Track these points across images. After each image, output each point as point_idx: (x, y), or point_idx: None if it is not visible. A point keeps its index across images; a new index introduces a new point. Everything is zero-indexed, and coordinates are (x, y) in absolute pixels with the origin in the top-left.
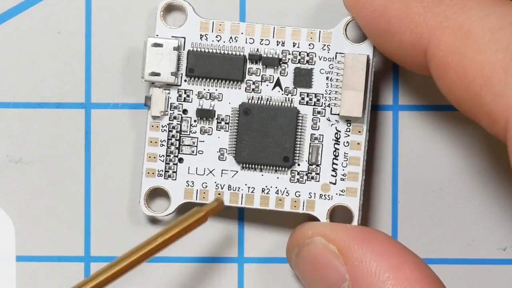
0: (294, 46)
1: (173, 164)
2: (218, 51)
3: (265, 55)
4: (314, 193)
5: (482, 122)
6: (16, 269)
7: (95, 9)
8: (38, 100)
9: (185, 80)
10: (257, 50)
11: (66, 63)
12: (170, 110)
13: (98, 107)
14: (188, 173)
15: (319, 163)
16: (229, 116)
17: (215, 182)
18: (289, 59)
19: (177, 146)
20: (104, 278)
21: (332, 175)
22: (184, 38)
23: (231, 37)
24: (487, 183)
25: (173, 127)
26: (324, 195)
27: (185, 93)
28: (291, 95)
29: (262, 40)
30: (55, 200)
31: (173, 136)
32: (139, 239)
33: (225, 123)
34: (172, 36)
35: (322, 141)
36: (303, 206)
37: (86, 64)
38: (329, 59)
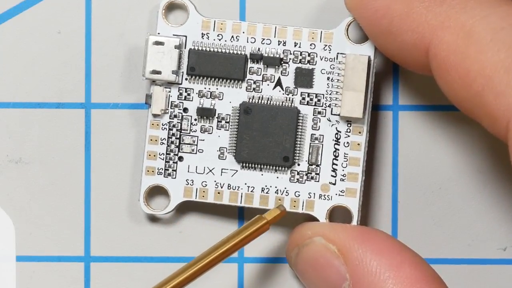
0: (295, 46)
1: (173, 162)
2: (220, 50)
3: (266, 55)
4: (314, 193)
5: (483, 122)
6: (16, 269)
7: (95, 9)
8: (38, 100)
9: (186, 79)
10: (259, 49)
11: (66, 63)
12: (171, 108)
13: (98, 107)
14: (188, 171)
15: (319, 163)
16: (230, 115)
17: (215, 181)
18: (290, 59)
19: (177, 144)
20: None
21: (332, 176)
22: (186, 36)
23: (232, 36)
24: (487, 183)
25: (174, 126)
26: (324, 195)
27: (185, 91)
28: (292, 95)
29: (264, 39)
30: (55, 200)
31: (173, 134)
32: (139, 239)
33: (226, 122)
34: (174, 35)
35: (322, 141)
36: (303, 206)
37: (86, 64)
38: (330, 60)
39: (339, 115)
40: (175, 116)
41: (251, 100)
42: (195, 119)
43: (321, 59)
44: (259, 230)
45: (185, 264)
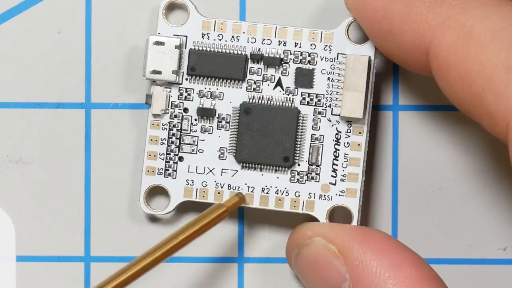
0: (295, 46)
1: (173, 162)
2: (220, 50)
3: (266, 55)
4: (314, 194)
5: (483, 122)
6: (16, 269)
7: (95, 9)
8: (38, 100)
9: (186, 79)
10: (259, 49)
11: (66, 63)
12: (171, 108)
13: (98, 107)
14: (188, 171)
15: (319, 164)
16: (230, 115)
17: (215, 181)
18: (290, 59)
19: (178, 144)
20: (122, 280)
21: (332, 176)
22: (186, 36)
23: (233, 36)
24: (487, 183)
25: (174, 126)
26: (324, 195)
27: (186, 91)
28: (292, 95)
29: (264, 39)
30: (55, 200)
31: (173, 134)
32: (139, 239)
33: (226, 122)
34: (174, 35)
35: (322, 142)
36: (303, 206)
37: (86, 64)
38: (331, 60)
39: (339, 115)
40: (175, 116)
41: (251, 100)
42: (196, 119)
43: (322, 59)
44: (218, 218)
45: (143, 253)
